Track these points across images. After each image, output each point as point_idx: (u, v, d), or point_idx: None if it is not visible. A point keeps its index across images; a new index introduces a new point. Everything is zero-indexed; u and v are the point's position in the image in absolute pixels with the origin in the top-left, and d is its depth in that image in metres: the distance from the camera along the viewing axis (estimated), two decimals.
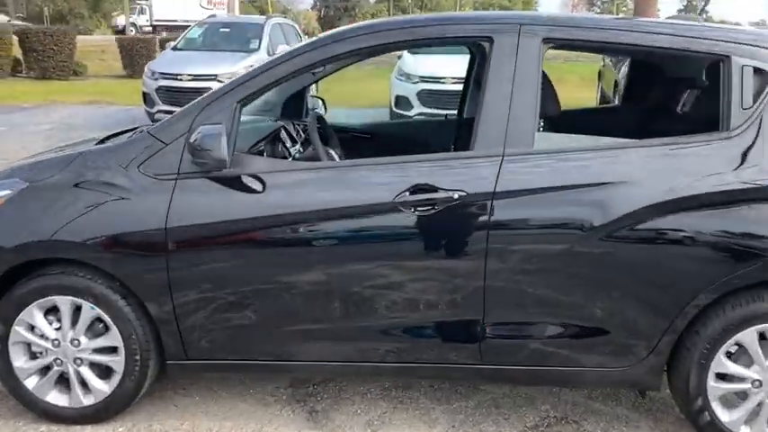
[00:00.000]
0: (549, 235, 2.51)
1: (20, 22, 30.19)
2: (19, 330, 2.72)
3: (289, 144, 3.33)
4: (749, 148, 2.47)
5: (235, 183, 2.59)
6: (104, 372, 2.77)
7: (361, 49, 2.69)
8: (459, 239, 2.54)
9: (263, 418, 2.92)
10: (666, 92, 3.38)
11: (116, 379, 2.75)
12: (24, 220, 2.63)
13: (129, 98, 13.31)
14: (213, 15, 15.92)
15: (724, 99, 2.51)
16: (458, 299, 2.58)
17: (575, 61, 19.00)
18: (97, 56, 22.33)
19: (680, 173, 2.47)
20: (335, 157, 3.06)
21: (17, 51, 18.18)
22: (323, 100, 4.18)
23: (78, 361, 2.74)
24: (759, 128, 2.48)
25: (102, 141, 2.96)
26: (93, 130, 9.90)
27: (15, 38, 17.99)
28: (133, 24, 36.90)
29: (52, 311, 2.73)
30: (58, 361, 2.74)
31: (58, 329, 2.73)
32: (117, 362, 2.73)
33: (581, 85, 13.55)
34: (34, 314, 2.70)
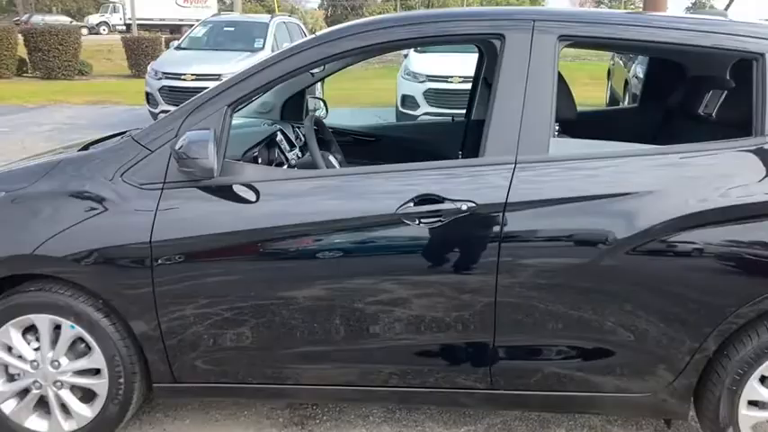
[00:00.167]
0: (567, 249, 2.31)
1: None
2: None
3: (287, 149, 3.13)
4: None
5: (225, 193, 2.40)
6: (87, 395, 2.58)
7: (364, 47, 2.48)
8: (469, 254, 2.34)
9: None
10: (689, 93, 3.16)
11: (99, 403, 2.56)
12: None
13: (134, 98, 13.18)
14: (217, 14, 15.76)
15: (758, 101, 2.30)
16: (466, 318, 2.38)
17: (583, 59, 18.77)
18: (104, 55, 22.29)
19: (711, 182, 2.26)
20: (335, 163, 2.86)
21: (22, 51, 18.10)
22: (324, 101, 3.98)
23: (58, 384, 2.55)
24: None
25: (85, 148, 2.77)
26: (96, 131, 9.80)
27: (21, 37, 17.91)
28: (105, 23, 36.39)
29: (30, 330, 2.55)
30: (37, 384, 2.55)
31: (36, 350, 2.54)
32: (100, 385, 2.54)
33: (590, 83, 13.31)
34: (11, 333, 2.52)
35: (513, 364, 2.44)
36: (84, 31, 20.84)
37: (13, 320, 2.50)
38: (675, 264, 2.28)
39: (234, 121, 3.04)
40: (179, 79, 9.81)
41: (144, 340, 2.49)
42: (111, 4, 38.95)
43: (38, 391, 2.57)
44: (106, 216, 2.40)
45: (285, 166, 2.70)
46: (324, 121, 3.90)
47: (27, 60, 18.16)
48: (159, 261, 2.38)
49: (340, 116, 10.02)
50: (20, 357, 2.54)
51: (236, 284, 2.43)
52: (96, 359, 2.52)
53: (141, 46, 18.61)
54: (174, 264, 2.39)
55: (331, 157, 2.84)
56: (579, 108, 2.92)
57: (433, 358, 2.47)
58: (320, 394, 2.60)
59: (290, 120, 3.71)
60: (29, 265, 2.47)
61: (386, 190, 2.37)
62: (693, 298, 2.30)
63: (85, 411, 2.57)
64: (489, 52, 3.57)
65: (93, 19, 37.97)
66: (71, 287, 2.47)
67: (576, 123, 2.79)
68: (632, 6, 45.95)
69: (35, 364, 2.54)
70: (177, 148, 2.27)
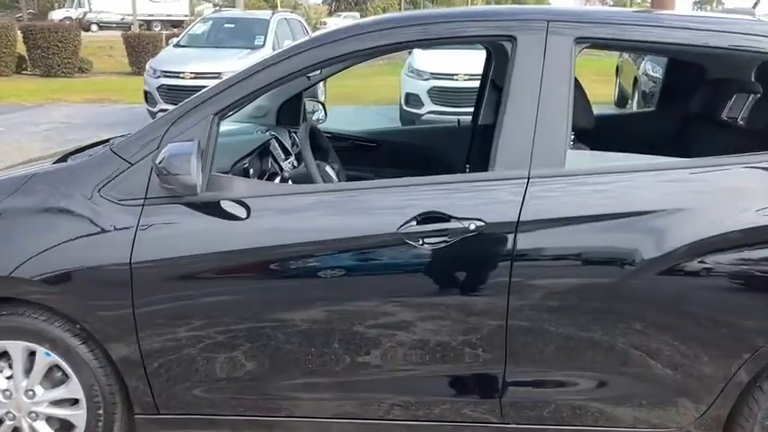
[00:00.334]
0: (585, 272, 2.11)
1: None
2: None
3: (281, 157, 2.93)
4: None
5: (212, 209, 2.20)
6: (64, 427, 2.39)
7: (366, 49, 2.28)
8: (477, 277, 2.14)
9: None
10: (712, 97, 2.95)
11: None
12: None
13: (133, 96, 12.97)
14: (218, 10, 15.55)
15: None
16: (475, 345, 2.18)
17: (589, 56, 18.47)
18: (105, 52, 22.09)
19: (747, 199, 2.06)
20: (332, 174, 2.66)
21: (22, 48, 17.91)
22: (323, 104, 3.77)
23: (33, 415, 2.36)
24: None
25: (63, 158, 2.57)
26: (93, 131, 9.63)
27: (20, 34, 17.73)
28: (70, 19, 35.54)
29: (3, 357, 2.36)
30: (11, 414, 2.36)
31: (9, 378, 2.35)
32: (78, 416, 2.35)
33: (597, 80, 13.08)
34: None
35: (526, 394, 2.24)
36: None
37: None
38: (706, 287, 2.08)
39: (224, 128, 2.85)
40: (178, 77, 9.62)
41: (124, 368, 2.30)
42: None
43: (11, 423, 2.37)
44: (82, 235, 2.20)
45: (278, 178, 2.51)
46: (322, 125, 3.72)
47: (26, 58, 17.97)
48: (140, 283, 2.19)
49: (342, 115, 9.91)
50: None
51: (224, 308, 2.24)
52: (74, 388, 2.33)
53: (142, 43, 18.40)
54: (156, 286, 2.20)
55: (328, 168, 2.64)
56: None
57: (438, 388, 2.27)
58: (317, 427, 2.40)
59: (287, 124, 3.51)
60: (4, 288, 2.28)
61: (386, 207, 2.17)
62: (725, 324, 2.10)
63: None
64: (498, 53, 3.36)
65: (57, 14, 36.58)
66: (46, 311, 2.28)
67: (588, 129, 2.59)
68: (638, 3, 45.59)
69: (8, 393, 2.35)
70: (158, 162, 2.08)
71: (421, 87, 9.67)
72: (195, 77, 9.47)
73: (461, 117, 9.46)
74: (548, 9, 2.37)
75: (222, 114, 2.25)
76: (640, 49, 2.75)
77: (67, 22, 18.98)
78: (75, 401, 2.35)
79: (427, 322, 2.18)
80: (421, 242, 2.11)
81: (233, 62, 9.53)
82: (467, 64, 9.56)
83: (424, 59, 9.82)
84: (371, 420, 2.32)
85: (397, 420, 2.30)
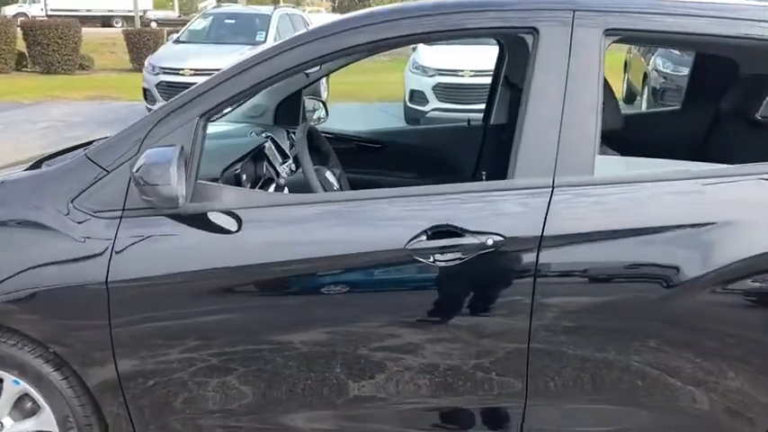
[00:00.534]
0: (619, 291, 1.89)
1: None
2: None
3: (278, 160, 2.69)
4: None
5: (198, 222, 1.97)
6: None
7: (370, 42, 2.03)
8: (494, 299, 1.91)
9: None
10: (750, 94, 2.71)
11: None
12: None
13: (134, 93, 12.73)
14: (219, 5, 15.34)
15: None
16: (491, 374, 1.96)
17: None
18: (108, 48, 21.91)
19: None
20: (332, 180, 2.43)
21: (22, 45, 17.70)
22: (324, 103, 3.53)
23: None
24: None
25: (37, 164, 2.34)
26: (92, 129, 9.44)
27: (20, 31, 17.52)
28: (24, 15, 33.20)
29: None
30: None
31: None
32: None
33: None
34: None
35: (550, 428, 2.01)
36: None
37: None
38: (762, 309, 1.85)
39: (215, 129, 2.61)
40: (177, 74, 9.41)
41: (101, 397, 2.07)
42: None
43: None
44: (53, 251, 1.98)
45: (273, 185, 2.27)
46: (323, 125, 3.49)
47: (26, 54, 17.75)
48: (118, 304, 1.96)
49: (345, 113, 9.68)
50: None
51: (213, 330, 2.01)
52: (46, 420, 2.10)
53: (143, 39, 18.15)
54: (136, 307, 1.98)
55: (328, 173, 2.40)
56: None
57: (449, 422, 2.04)
58: None
59: (285, 124, 3.27)
60: None
61: (392, 219, 1.94)
62: None
63: None
64: (512, 47, 3.12)
65: (10, 10, 34.55)
66: (14, 335, 2.05)
67: (616, 132, 2.35)
68: None
69: None
70: (135, 171, 1.85)
71: (426, 84, 9.46)
72: (195, 74, 9.24)
73: (470, 115, 9.45)
74: None
75: (209, 116, 2.02)
76: (685, 43, 2.48)
77: (60, 19, 18.61)
78: None
79: (435, 345, 1.96)
80: (432, 259, 1.87)
81: (233, 58, 9.25)
82: (473, 60, 9.34)
83: (429, 55, 9.59)
84: None
85: None
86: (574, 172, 1.89)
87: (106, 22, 35.15)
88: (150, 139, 1.97)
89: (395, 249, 1.88)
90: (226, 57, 9.45)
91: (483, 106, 9.73)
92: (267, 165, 2.57)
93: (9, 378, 2.07)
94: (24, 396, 2.11)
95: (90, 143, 2.52)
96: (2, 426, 2.11)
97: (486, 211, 1.89)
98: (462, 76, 9.37)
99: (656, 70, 9.27)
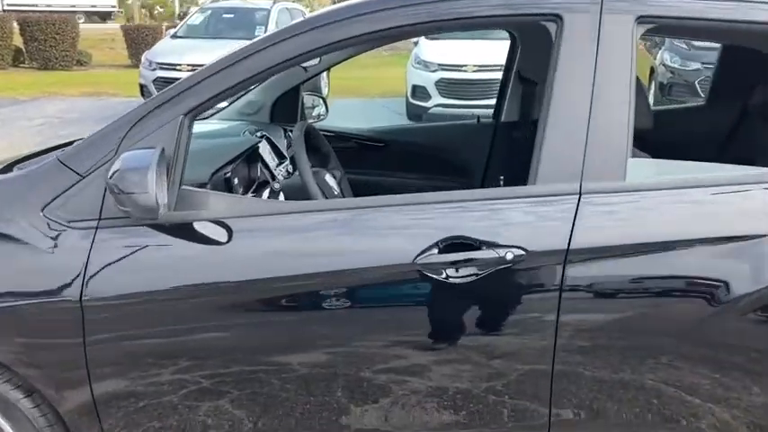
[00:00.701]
0: (656, 308, 1.70)
1: None
2: None
3: (274, 162, 2.49)
4: None
5: (183, 233, 1.77)
6: None
7: (373, 32, 1.81)
8: (514, 318, 1.71)
9: None
10: None
11: None
12: None
13: (132, 89, 12.51)
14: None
15: None
16: (507, 403, 1.75)
17: None
18: (107, 44, 21.69)
19: None
20: (332, 184, 2.22)
21: (19, 41, 17.49)
22: (324, 99, 3.33)
23: None
24: None
25: (8, 167, 2.13)
26: (88, 125, 9.24)
27: (16, 26, 17.31)
28: None
29: None
30: None
31: None
32: None
33: None
34: None
35: None
36: None
37: None
38: None
39: (205, 128, 2.41)
40: (174, 70, 9.21)
41: (75, 424, 1.87)
42: None
43: None
44: (20, 265, 1.77)
45: (267, 190, 2.07)
46: (323, 122, 3.29)
47: (23, 50, 17.54)
48: (94, 323, 1.76)
49: (345, 109, 9.48)
50: None
51: (199, 352, 1.81)
52: None
53: (141, 35, 17.93)
54: (113, 326, 1.78)
55: (328, 177, 2.19)
56: None
57: None
58: None
59: (283, 122, 3.07)
60: None
61: (399, 230, 1.73)
62: None
63: None
64: (525, 38, 2.91)
65: None
66: None
67: (645, 131, 2.14)
68: None
69: None
70: (109, 178, 1.64)
71: (428, 79, 9.27)
72: (192, 69, 8.96)
73: (473, 111, 9.24)
74: None
75: (195, 114, 1.81)
76: (729, 33, 2.25)
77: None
78: None
79: (444, 367, 1.77)
80: (444, 275, 1.67)
81: None
82: (476, 54, 9.14)
83: (432, 49, 9.38)
84: None
85: None
86: (604, 177, 1.68)
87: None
88: (129, 141, 1.77)
89: (402, 264, 1.68)
90: (223, 52, 9.27)
91: (487, 102, 9.58)
92: (261, 167, 2.36)
93: None
94: None
95: (71, 143, 2.32)
96: None
97: (506, 222, 1.69)
98: (465, 71, 9.18)
99: (664, 65, 9.06)
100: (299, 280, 1.73)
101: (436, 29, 1.80)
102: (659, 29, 1.78)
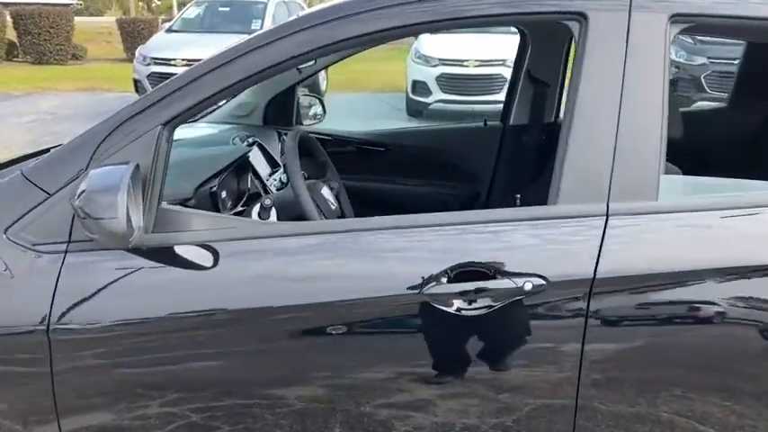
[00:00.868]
0: (694, 340, 1.53)
1: None
2: None
3: (266, 171, 2.30)
4: None
5: (162, 257, 1.58)
6: None
7: (373, 32, 1.62)
8: (532, 353, 1.53)
9: None
10: None
11: None
12: None
13: (127, 84, 12.25)
14: None
15: None
16: None
17: None
18: (104, 38, 21.50)
19: None
20: (329, 197, 2.02)
21: (12, 35, 17.25)
22: (321, 99, 3.13)
23: None
24: None
25: None
26: (81, 122, 9.02)
27: (10, 20, 17.07)
28: None
29: None
30: None
31: None
32: None
33: None
34: None
35: None
36: None
37: None
38: None
39: (190, 134, 2.22)
40: (168, 65, 9.00)
41: None
42: None
43: None
44: None
45: (257, 206, 1.87)
46: (320, 124, 3.10)
47: (17, 44, 17.30)
48: (62, 355, 1.57)
49: (344, 104, 9.30)
50: None
51: (182, 385, 1.63)
52: None
53: (137, 28, 17.71)
54: (82, 360, 1.59)
55: (324, 190, 2.00)
56: None
57: None
58: None
59: (277, 125, 2.88)
60: None
61: (403, 255, 1.55)
62: None
63: None
64: (537, 35, 2.73)
65: None
66: None
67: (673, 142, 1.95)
68: None
69: None
70: (74, 199, 1.45)
71: (429, 74, 9.14)
72: (187, 64, 8.80)
73: (476, 107, 9.04)
74: None
75: (176, 124, 1.62)
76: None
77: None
78: None
79: (450, 401, 1.60)
80: (455, 307, 1.48)
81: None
82: (478, 49, 8.99)
83: (432, 44, 9.22)
84: None
85: None
86: (634, 196, 1.50)
87: None
88: (100, 155, 1.58)
89: (408, 295, 1.49)
90: (219, 46, 9.05)
91: (488, 98, 9.36)
92: (252, 177, 2.17)
93: None
94: None
95: (47, 150, 2.13)
96: None
97: (523, 247, 1.50)
98: (467, 66, 9.04)
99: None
100: (291, 310, 1.55)
101: (456, 26, 1.60)
102: (695, 28, 1.58)
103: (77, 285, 1.57)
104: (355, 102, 10.15)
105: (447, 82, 9.04)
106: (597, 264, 1.46)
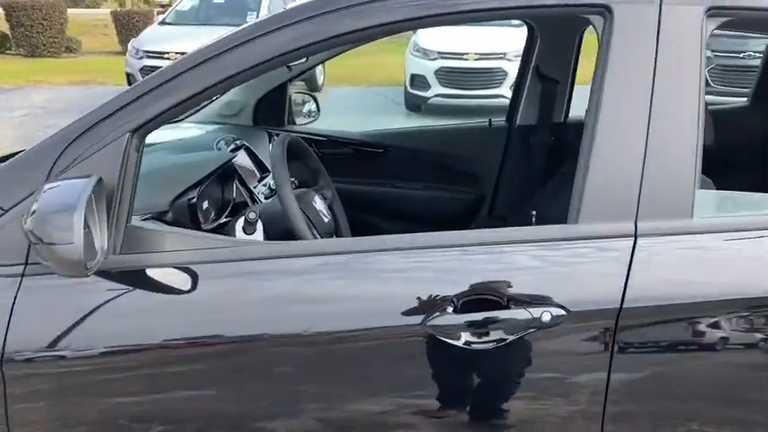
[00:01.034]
0: (739, 379, 1.36)
1: None
2: None
3: (255, 177, 2.11)
4: None
5: (132, 281, 1.40)
6: None
7: (371, 27, 1.43)
8: (552, 393, 1.35)
9: None
10: None
11: None
12: None
13: (122, 78, 12.06)
14: None
15: None
16: None
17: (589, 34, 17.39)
18: (99, 30, 21.23)
19: None
20: (321, 208, 1.83)
21: (4, 27, 17.00)
22: (314, 98, 2.95)
23: None
24: None
25: None
26: (73, 116, 8.79)
27: (2, 12, 16.82)
28: None
29: None
30: None
31: None
32: None
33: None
34: None
35: None
36: None
37: None
38: None
39: (169, 137, 2.04)
40: (161, 58, 8.79)
41: None
42: None
43: None
44: None
45: (241, 222, 1.69)
46: (314, 123, 2.92)
47: (9, 36, 17.05)
48: (18, 390, 1.40)
49: (341, 99, 9.11)
50: None
51: (156, 419, 1.45)
52: None
53: (132, 20, 17.48)
54: (44, 393, 1.41)
55: (317, 200, 1.81)
56: None
57: None
58: None
59: (268, 124, 2.69)
60: None
61: (404, 279, 1.36)
62: None
63: None
64: (546, 29, 2.54)
65: None
66: None
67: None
68: None
69: None
70: (25, 221, 1.27)
71: (427, 68, 8.99)
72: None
73: (475, 101, 8.84)
74: None
75: (146, 130, 1.44)
76: None
77: None
78: None
79: None
80: (462, 341, 1.30)
81: None
82: (478, 41, 8.82)
83: (431, 37, 9.05)
84: None
85: None
86: (666, 214, 1.31)
87: None
88: (60, 167, 1.39)
89: (409, 326, 1.31)
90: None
91: (488, 92, 9.14)
92: (238, 184, 1.98)
93: None
94: None
95: (13, 155, 1.94)
96: None
97: (540, 272, 1.32)
98: (466, 59, 8.89)
99: None
100: (279, 340, 1.37)
101: (470, 19, 1.41)
102: (734, 23, 1.40)
103: (36, 312, 1.39)
104: (353, 96, 9.97)
105: (446, 76, 8.90)
106: (625, 291, 1.28)
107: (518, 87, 2.75)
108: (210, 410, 1.44)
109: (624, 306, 1.28)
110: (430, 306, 1.30)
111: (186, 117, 2.37)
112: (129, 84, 9.23)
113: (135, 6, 23.87)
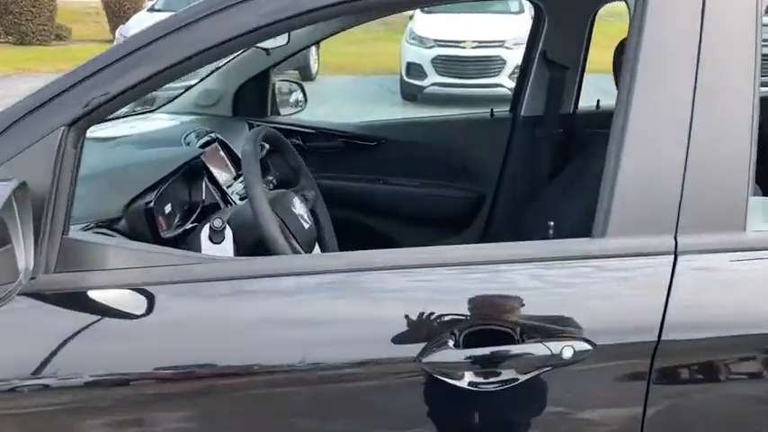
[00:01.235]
0: None
1: None
2: None
3: (227, 176, 1.88)
4: None
5: (71, 304, 1.17)
6: None
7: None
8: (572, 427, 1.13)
9: None
10: None
11: None
12: None
13: None
14: None
15: None
16: None
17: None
18: (92, 18, 20.93)
19: None
20: (302, 212, 1.59)
21: None
22: (302, 86, 2.71)
23: None
24: None
25: None
26: None
27: None
28: None
29: None
30: None
31: None
32: None
33: (608, 46, 11.96)
34: None
35: None
36: None
37: None
38: None
39: (128, 129, 1.81)
40: None
41: None
42: None
43: None
44: None
45: (206, 230, 1.44)
46: (301, 113, 2.70)
47: None
48: None
49: (335, 87, 8.87)
50: None
51: None
52: None
53: (123, 8, 17.21)
54: None
55: (296, 202, 1.57)
56: None
57: None
58: None
59: (249, 115, 2.47)
60: None
61: (395, 304, 1.13)
62: None
63: None
64: (554, 9, 2.31)
65: None
66: None
67: None
68: None
69: None
70: None
71: (424, 56, 8.84)
72: None
73: (472, 91, 8.64)
74: None
75: (87, 123, 1.20)
76: None
77: None
78: None
79: None
80: (465, 380, 1.07)
81: None
82: (476, 29, 8.66)
83: (427, 24, 8.88)
84: None
85: None
86: (712, 226, 1.08)
87: None
88: None
89: (402, 362, 1.08)
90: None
91: (486, 81, 8.95)
92: (208, 184, 1.74)
93: None
94: None
95: None
96: None
97: (560, 297, 1.09)
98: (464, 47, 8.73)
99: None
100: (248, 375, 1.14)
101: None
102: None
103: None
104: (347, 85, 9.75)
105: (443, 64, 8.75)
106: (663, 320, 1.05)
107: (523, 74, 2.51)
108: None
109: (662, 339, 1.05)
110: (424, 336, 1.07)
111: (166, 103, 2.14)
112: None
113: None
